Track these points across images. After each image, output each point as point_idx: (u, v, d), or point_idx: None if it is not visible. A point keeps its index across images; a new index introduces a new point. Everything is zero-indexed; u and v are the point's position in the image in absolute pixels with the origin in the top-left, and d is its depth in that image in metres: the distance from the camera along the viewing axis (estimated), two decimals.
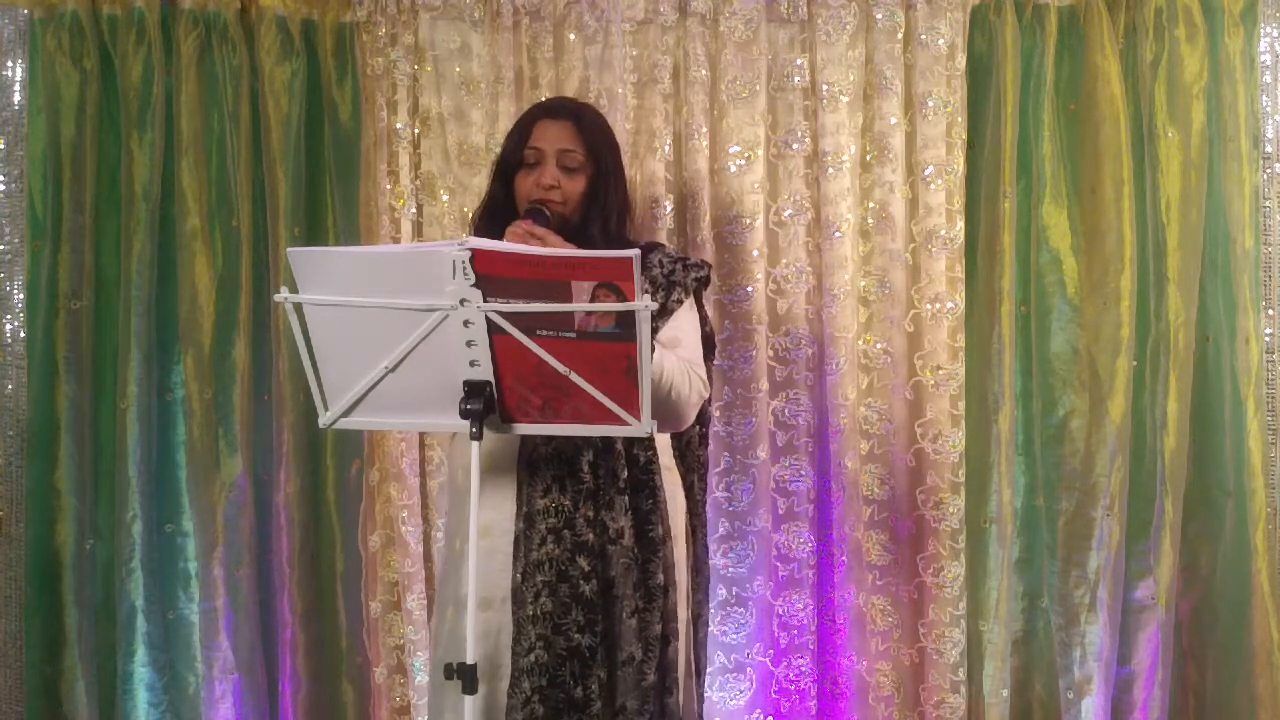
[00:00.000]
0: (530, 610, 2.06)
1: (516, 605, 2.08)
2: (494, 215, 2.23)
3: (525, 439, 2.11)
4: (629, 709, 2.08)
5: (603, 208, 2.20)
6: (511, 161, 2.24)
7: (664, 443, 2.25)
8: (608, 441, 2.12)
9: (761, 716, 2.97)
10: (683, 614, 2.21)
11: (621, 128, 2.86)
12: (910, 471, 2.97)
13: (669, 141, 2.93)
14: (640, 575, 2.12)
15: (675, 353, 2.13)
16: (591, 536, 2.09)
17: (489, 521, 2.10)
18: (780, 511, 2.96)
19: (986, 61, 2.95)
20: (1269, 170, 2.98)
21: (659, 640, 2.12)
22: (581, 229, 2.18)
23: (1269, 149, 2.98)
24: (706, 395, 2.18)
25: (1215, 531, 2.96)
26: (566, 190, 2.18)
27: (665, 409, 2.07)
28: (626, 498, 2.13)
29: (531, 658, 2.05)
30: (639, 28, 2.93)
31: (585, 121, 2.25)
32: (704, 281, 2.28)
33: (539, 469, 2.11)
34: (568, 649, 2.06)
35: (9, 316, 2.91)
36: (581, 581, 2.07)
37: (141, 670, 2.89)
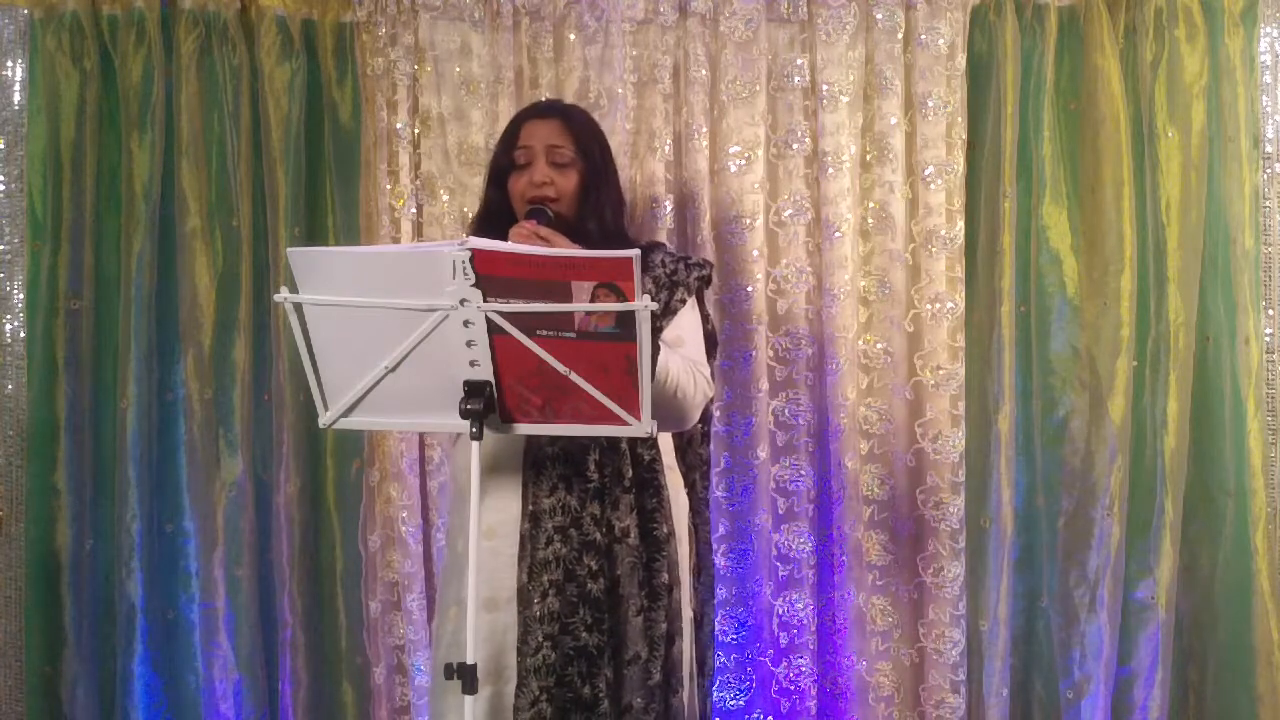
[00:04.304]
0: (537, 610, 2.06)
1: (523, 605, 2.07)
2: (491, 221, 2.24)
3: (530, 439, 2.11)
4: (635, 708, 2.08)
5: (597, 203, 2.22)
6: (503, 165, 2.25)
7: (666, 443, 2.25)
8: (612, 441, 2.12)
9: (761, 716, 2.97)
10: (686, 612, 2.21)
11: (621, 128, 2.86)
12: (910, 471, 2.97)
13: (669, 141, 2.93)
14: (645, 574, 2.11)
15: (679, 352, 2.13)
16: (598, 535, 2.09)
17: (494, 522, 2.10)
18: (780, 511, 2.96)
19: (986, 61, 2.95)
20: (1269, 170, 2.98)
21: (664, 639, 2.12)
22: (578, 226, 2.19)
23: (1269, 149, 2.98)
24: (711, 394, 2.18)
25: (1215, 531, 2.96)
26: (560, 186, 2.20)
27: (670, 409, 2.07)
28: (632, 496, 2.12)
29: (539, 657, 2.04)
30: (639, 28, 2.93)
31: (572, 119, 2.27)
32: (706, 280, 2.28)
33: (545, 468, 2.11)
34: (575, 648, 2.05)
35: (9, 316, 2.91)
36: (589, 581, 2.07)
37: (141, 670, 2.88)
